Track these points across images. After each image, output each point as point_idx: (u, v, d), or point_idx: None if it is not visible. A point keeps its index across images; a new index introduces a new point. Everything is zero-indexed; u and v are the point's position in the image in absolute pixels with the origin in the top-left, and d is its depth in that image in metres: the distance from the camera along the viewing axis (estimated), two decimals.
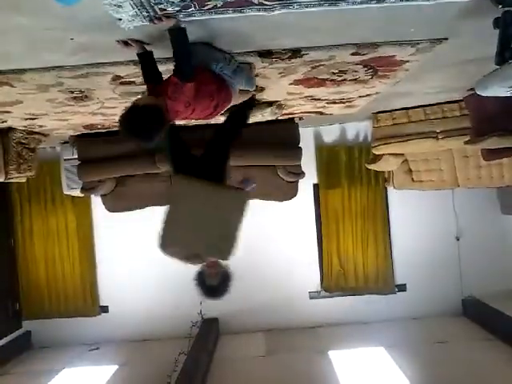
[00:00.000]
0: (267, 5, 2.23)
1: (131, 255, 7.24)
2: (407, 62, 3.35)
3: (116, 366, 6.34)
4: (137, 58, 2.69)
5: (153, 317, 7.11)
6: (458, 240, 7.19)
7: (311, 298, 7.34)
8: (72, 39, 2.50)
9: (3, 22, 2.21)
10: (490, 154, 4.92)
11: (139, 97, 3.17)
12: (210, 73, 2.81)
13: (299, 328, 7.05)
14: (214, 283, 3.04)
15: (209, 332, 6.73)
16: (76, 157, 5.94)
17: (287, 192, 6.02)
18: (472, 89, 3.86)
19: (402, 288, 7.30)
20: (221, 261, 3.01)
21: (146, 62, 2.68)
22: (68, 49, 2.66)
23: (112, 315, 7.30)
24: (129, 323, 7.15)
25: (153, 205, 6.13)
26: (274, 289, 7.10)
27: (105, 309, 7.35)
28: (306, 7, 2.27)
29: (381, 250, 7.20)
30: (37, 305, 7.28)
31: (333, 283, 7.24)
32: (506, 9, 2.35)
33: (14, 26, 2.27)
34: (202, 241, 2.85)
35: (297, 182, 5.96)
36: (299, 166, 5.81)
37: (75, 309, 7.26)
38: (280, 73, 3.49)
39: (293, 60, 3.14)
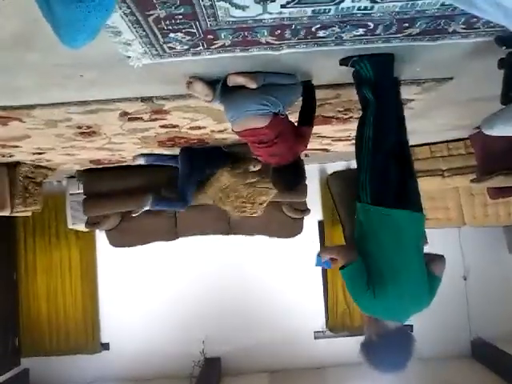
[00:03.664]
0: (274, 44, 2.26)
1: (134, 292, 7.17)
2: (412, 100, 3.38)
3: None
4: (144, 95, 2.67)
5: (155, 355, 6.97)
6: (465, 279, 7.08)
7: (316, 338, 7.19)
8: (81, 76, 2.54)
9: (14, 58, 2.25)
10: (497, 193, 4.91)
11: None
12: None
13: (304, 369, 6.89)
14: None
15: (211, 372, 6.58)
16: (82, 191, 5.95)
17: (292, 229, 5.97)
18: (478, 127, 3.87)
19: (409, 329, 7.14)
20: None
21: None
22: (77, 85, 2.69)
23: (113, 353, 7.17)
24: (130, 361, 7.01)
25: (157, 240, 6.11)
26: (278, 328, 6.98)
27: (106, 346, 7.22)
28: (313, 47, 2.30)
29: None
30: (36, 341, 7.16)
31: (338, 322, 7.11)
32: (511, 50, 2.38)
33: (24, 62, 2.30)
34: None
35: (302, 218, 5.93)
36: (304, 202, 5.79)
37: (76, 345, 7.14)
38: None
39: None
